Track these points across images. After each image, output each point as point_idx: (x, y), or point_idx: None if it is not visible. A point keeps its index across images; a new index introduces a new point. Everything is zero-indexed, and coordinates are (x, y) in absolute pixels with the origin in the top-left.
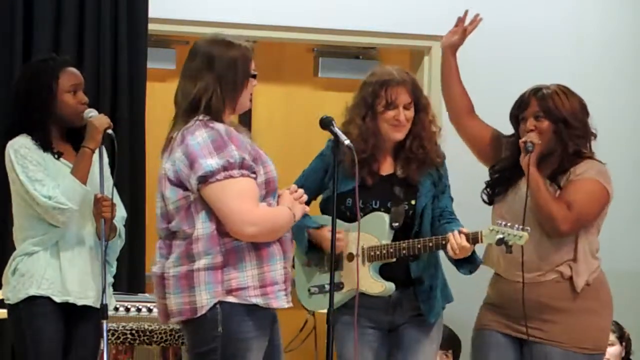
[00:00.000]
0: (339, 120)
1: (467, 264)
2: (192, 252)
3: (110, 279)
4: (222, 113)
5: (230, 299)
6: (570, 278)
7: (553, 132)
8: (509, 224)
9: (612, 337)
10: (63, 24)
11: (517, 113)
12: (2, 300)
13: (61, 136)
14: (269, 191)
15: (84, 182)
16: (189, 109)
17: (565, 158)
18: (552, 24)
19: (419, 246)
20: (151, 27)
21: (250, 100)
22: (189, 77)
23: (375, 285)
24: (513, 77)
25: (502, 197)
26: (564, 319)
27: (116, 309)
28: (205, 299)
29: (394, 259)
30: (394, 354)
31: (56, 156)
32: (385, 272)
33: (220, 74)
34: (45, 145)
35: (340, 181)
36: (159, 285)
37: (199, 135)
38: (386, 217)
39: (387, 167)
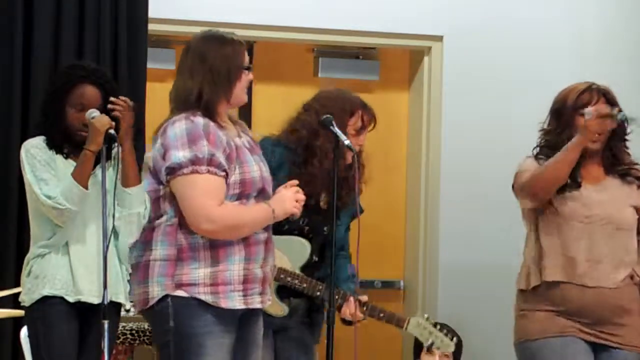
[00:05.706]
0: None
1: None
2: (150, 240)
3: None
4: (216, 106)
5: (180, 292)
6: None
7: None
8: (438, 327)
9: None
10: (63, 24)
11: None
12: (1, 299)
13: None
14: (244, 192)
15: (84, 185)
16: (183, 103)
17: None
18: (552, 24)
19: (336, 297)
20: (151, 27)
21: (249, 95)
22: (182, 73)
23: (276, 307)
24: (513, 76)
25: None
26: (634, 321)
27: None
28: (156, 291)
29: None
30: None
31: (65, 155)
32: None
33: (213, 67)
34: (55, 148)
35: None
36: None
37: (177, 127)
38: (308, 248)
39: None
